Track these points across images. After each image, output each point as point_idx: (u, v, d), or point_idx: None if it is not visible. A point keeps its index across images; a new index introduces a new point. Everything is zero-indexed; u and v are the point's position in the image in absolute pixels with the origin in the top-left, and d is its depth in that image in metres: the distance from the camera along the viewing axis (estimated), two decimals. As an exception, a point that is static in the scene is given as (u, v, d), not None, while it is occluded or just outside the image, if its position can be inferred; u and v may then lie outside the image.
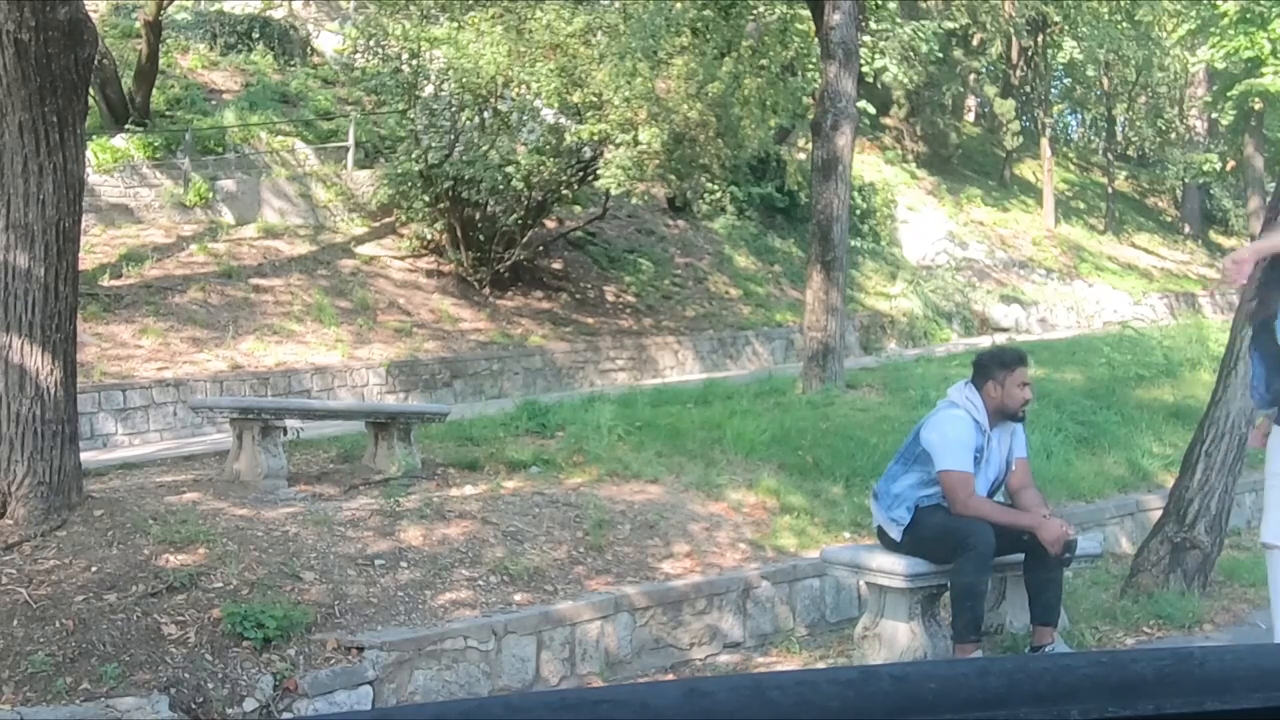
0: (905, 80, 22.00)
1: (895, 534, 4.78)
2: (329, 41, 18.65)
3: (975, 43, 26.97)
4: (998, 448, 4.84)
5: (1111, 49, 25.44)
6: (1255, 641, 4.86)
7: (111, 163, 13.80)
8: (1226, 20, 22.73)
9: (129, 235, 13.17)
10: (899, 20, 21.04)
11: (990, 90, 29.09)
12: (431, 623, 4.71)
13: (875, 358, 15.48)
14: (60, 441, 5.08)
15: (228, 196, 14.41)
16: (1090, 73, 29.05)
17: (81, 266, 6.01)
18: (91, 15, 5.48)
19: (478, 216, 14.35)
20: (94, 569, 4.60)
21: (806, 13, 13.07)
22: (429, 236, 14.68)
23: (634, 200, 17.22)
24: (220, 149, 15.25)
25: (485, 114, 13.64)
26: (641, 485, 6.61)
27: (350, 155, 15.66)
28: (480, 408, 10.29)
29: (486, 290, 14.52)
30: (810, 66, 16.12)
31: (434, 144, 13.67)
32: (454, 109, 13.76)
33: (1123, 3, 23.68)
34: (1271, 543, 3.91)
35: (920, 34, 21.32)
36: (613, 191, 13.72)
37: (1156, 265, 26.63)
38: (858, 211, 19.26)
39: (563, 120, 13.64)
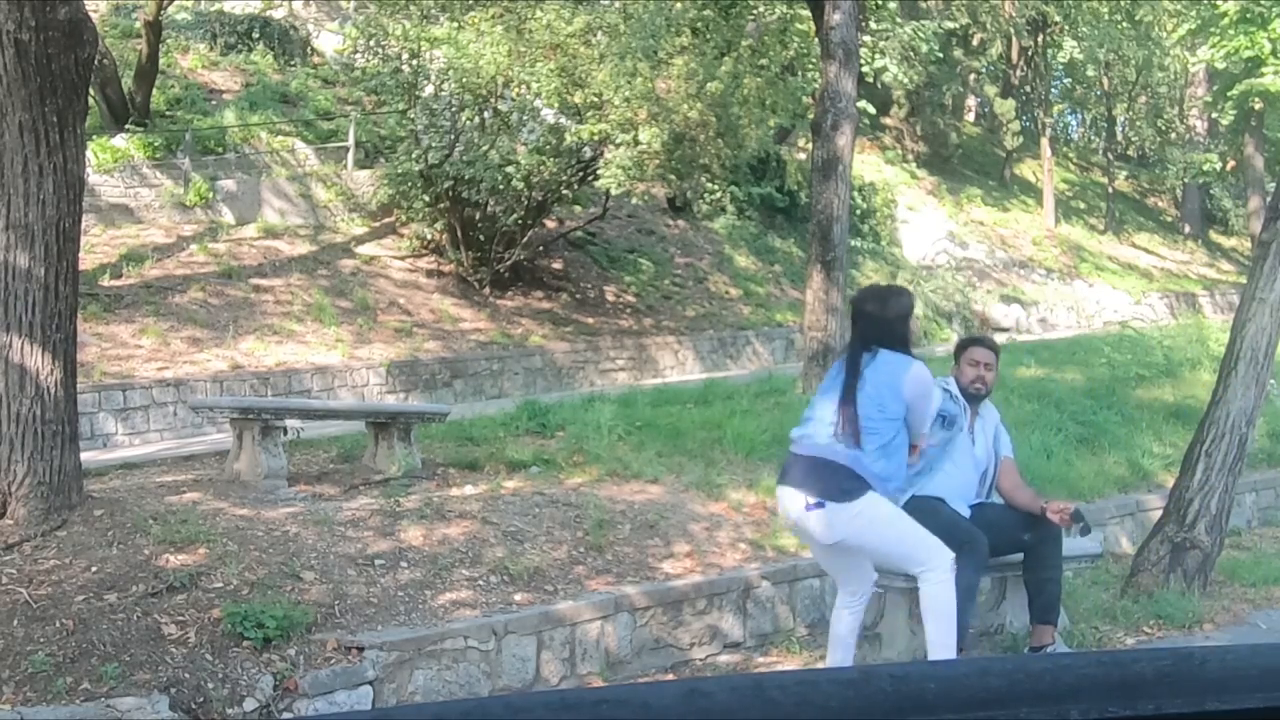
0: (905, 80, 22.00)
1: None
2: (329, 41, 18.65)
3: (975, 43, 26.97)
4: (980, 430, 5.02)
5: (1111, 49, 25.44)
6: (1255, 641, 4.86)
7: (111, 163, 13.80)
8: (1226, 20, 22.72)
9: (129, 235, 13.17)
10: (899, 20, 21.04)
11: (990, 90, 29.09)
12: (431, 623, 4.71)
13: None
14: (60, 441, 5.08)
15: (228, 196, 14.41)
16: (1090, 73, 29.05)
17: (81, 266, 6.01)
18: (91, 15, 5.47)
19: (478, 216, 14.35)
20: (94, 569, 4.60)
21: (806, 13, 13.07)
22: (429, 236, 14.68)
23: (634, 200, 17.22)
24: (220, 149, 15.25)
25: (485, 114, 13.64)
26: (642, 485, 6.61)
27: (350, 155, 15.66)
28: (480, 408, 10.29)
29: (486, 290, 14.52)
30: (810, 66, 16.11)
31: (434, 144, 13.67)
32: (454, 109, 13.76)
33: (1123, 3, 23.68)
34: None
35: (920, 34, 21.32)
36: (613, 191, 13.72)
37: (1156, 265, 26.63)
38: (858, 211, 19.26)
39: (563, 120, 13.64)
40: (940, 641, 4.22)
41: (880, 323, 4.25)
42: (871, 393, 4.11)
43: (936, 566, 4.19)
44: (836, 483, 4.09)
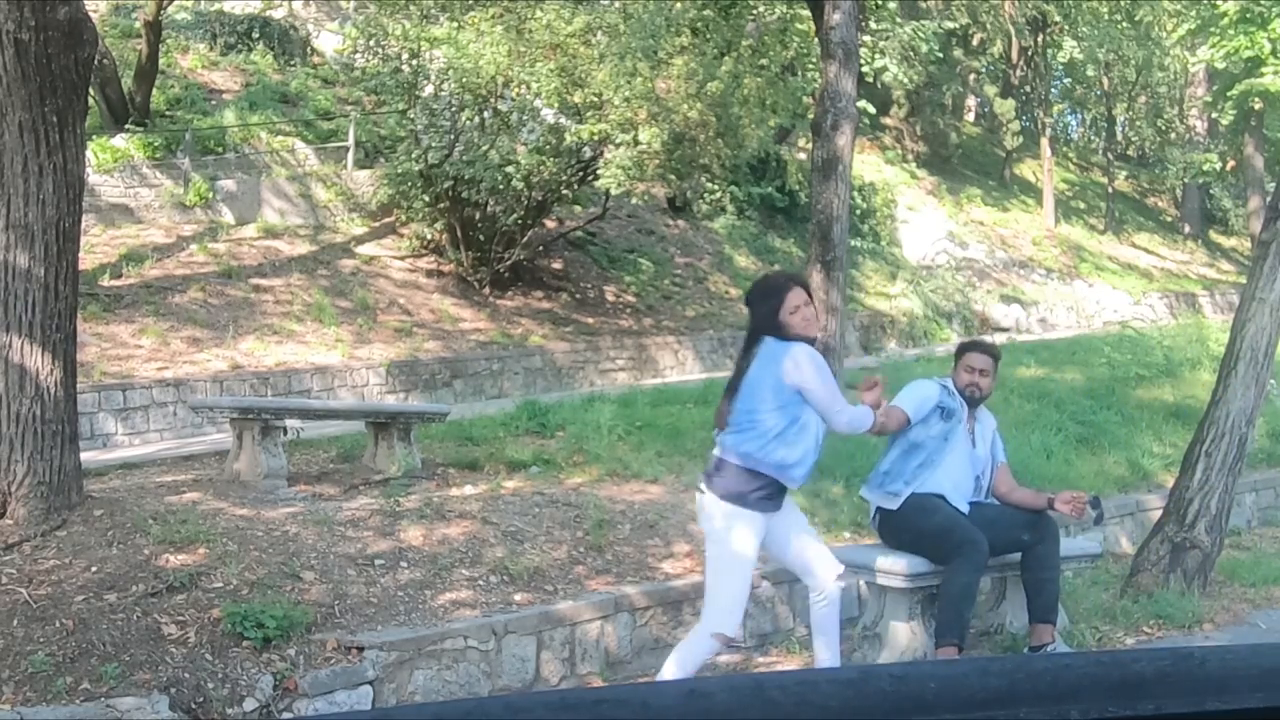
0: (905, 80, 22.00)
1: (894, 504, 4.85)
2: (329, 41, 18.65)
3: (975, 43, 26.97)
4: (979, 434, 5.03)
5: (1111, 49, 25.44)
6: (1255, 641, 4.86)
7: (111, 163, 13.80)
8: (1226, 20, 22.72)
9: (129, 235, 13.17)
10: (899, 20, 21.03)
11: (990, 90, 29.09)
12: (431, 623, 4.71)
13: (875, 358, 15.50)
14: (60, 441, 5.08)
15: (228, 196, 14.41)
16: (1090, 73, 29.05)
17: (81, 266, 6.01)
18: (91, 15, 5.48)
19: (478, 216, 14.35)
20: (94, 569, 4.60)
21: (806, 13, 13.06)
22: (429, 236, 14.68)
23: (634, 200, 17.22)
24: (220, 149, 15.25)
25: (485, 114, 13.64)
26: (642, 485, 6.61)
27: (350, 155, 15.66)
28: (480, 408, 10.29)
29: (486, 290, 14.52)
30: (810, 66, 16.12)
31: (434, 144, 13.66)
32: (454, 109, 13.76)
33: (1123, 3, 23.68)
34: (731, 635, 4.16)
35: (920, 34, 21.32)
36: (613, 191, 13.72)
37: (1156, 265, 26.63)
38: (858, 211, 19.26)
39: (563, 120, 13.63)
40: (667, 669, 4.12)
41: (758, 313, 4.20)
42: (754, 384, 4.07)
43: (713, 625, 4.05)
44: (717, 477, 4.10)
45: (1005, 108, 27.31)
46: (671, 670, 4.08)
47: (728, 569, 4.08)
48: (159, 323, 11.52)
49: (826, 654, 4.27)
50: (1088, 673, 0.95)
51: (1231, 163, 29.07)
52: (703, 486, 4.16)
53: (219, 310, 12.17)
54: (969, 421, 5.00)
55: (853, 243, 16.04)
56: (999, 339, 14.42)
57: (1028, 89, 28.96)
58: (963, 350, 5.21)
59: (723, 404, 4.15)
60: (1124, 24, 24.62)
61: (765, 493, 4.06)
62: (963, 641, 4.63)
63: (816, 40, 11.67)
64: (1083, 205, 29.13)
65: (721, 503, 4.06)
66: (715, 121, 13.38)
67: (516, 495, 6.17)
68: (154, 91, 15.34)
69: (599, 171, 13.48)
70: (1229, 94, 25.00)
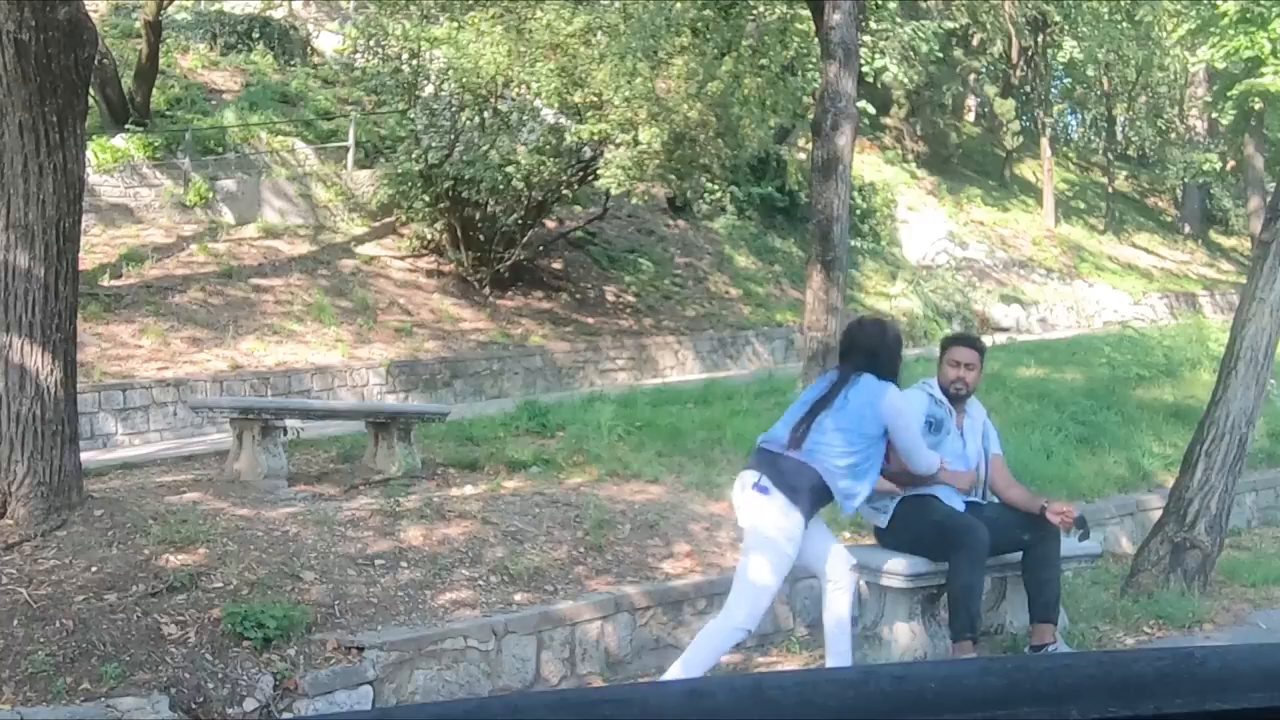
0: (905, 80, 22.01)
1: (882, 521, 4.89)
2: (329, 41, 18.65)
3: (975, 43, 26.98)
4: (968, 429, 4.99)
5: (1111, 49, 25.43)
6: (1255, 641, 4.86)
7: (111, 163, 13.80)
8: (1226, 20, 22.70)
9: (129, 235, 13.17)
10: (899, 20, 21.04)
11: (990, 90, 29.09)
12: (432, 623, 4.71)
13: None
14: (60, 441, 5.08)
15: (228, 196, 14.41)
16: (1090, 73, 29.04)
17: (81, 266, 6.01)
18: (91, 15, 5.48)
19: (478, 216, 14.35)
20: (94, 569, 4.60)
21: (806, 13, 13.04)
22: (429, 236, 14.68)
23: (634, 200, 17.22)
24: (220, 149, 15.25)
25: (485, 114, 13.64)
26: (642, 485, 6.61)
27: (350, 155, 15.66)
28: (480, 407, 10.30)
29: (487, 290, 14.52)
30: (810, 66, 16.10)
31: (434, 144, 13.66)
32: (454, 109, 13.76)
33: (1123, 3, 23.67)
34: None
35: (920, 34, 21.33)
36: (613, 191, 13.72)
37: (1156, 265, 26.63)
38: (858, 211, 19.27)
39: (563, 120, 13.63)
40: (684, 661, 4.22)
41: (884, 352, 4.37)
42: (854, 414, 4.21)
43: (736, 618, 4.21)
44: (789, 482, 4.16)
45: (1005, 108, 27.32)
46: (698, 657, 4.17)
47: (772, 570, 4.22)
48: (159, 323, 11.53)
49: (837, 643, 4.36)
50: (1088, 673, 0.96)
51: (1231, 163, 29.07)
52: (767, 486, 4.19)
53: (219, 310, 12.17)
54: (958, 418, 4.96)
55: (853, 243, 16.03)
56: (999, 339, 14.43)
57: (1028, 89, 28.96)
58: (946, 344, 5.17)
59: (809, 417, 4.24)
60: (1124, 24, 24.61)
61: (819, 508, 4.28)
62: (976, 635, 4.63)
63: (816, 40, 11.66)
64: (1083, 205, 29.13)
65: (790, 509, 4.16)
66: (715, 121, 13.39)
67: (516, 495, 6.17)
68: (154, 91, 15.33)
69: (599, 171, 13.48)
70: (1229, 94, 24.99)
